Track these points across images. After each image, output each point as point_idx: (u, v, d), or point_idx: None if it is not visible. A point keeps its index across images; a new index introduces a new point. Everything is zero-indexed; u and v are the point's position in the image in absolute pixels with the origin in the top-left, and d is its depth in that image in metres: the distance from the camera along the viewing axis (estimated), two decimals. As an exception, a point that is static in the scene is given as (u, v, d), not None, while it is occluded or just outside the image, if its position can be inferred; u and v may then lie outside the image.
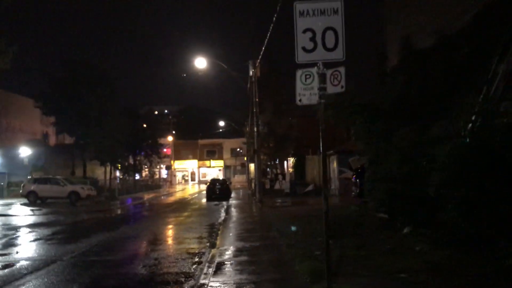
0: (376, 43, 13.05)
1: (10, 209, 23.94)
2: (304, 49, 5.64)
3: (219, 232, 12.72)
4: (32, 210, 22.93)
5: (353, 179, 19.93)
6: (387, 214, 11.41)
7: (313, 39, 5.60)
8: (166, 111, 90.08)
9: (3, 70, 14.42)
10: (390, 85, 12.83)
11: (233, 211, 19.61)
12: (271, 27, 18.34)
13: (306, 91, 5.81)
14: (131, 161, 48.39)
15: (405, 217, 9.79)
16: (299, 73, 5.82)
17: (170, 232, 14.46)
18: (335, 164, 26.88)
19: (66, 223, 17.17)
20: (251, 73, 24.95)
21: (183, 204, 27.74)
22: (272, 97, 30.84)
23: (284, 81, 31.42)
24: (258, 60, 23.76)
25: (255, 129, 24.72)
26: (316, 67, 5.67)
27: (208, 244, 10.78)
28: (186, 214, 20.22)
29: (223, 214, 18.75)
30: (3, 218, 19.51)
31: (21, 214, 21.41)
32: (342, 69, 5.67)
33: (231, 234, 11.98)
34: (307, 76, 5.79)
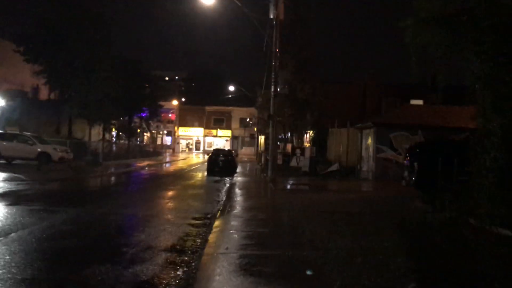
0: None
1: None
2: None
3: (209, 237, 7.38)
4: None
5: (405, 162, 14.28)
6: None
7: None
8: (176, 77, 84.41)
9: None
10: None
11: (237, 194, 14.17)
12: None
13: None
14: (126, 123, 42.99)
15: None
16: None
17: (130, 227, 9.10)
18: (370, 140, 21.21)
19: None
20: (272, 15, 19.13)
21: (176, 177, 22.45)
22: (296, 53, 24.92)
23: (310, 34, 25.56)
24: (283, -3, 17.92)
25: (272, 88, 18.96)
26: None
27: (181, 272, 5.42)
28: (172, 193, 14.92)
29: (223, 197, 13.43)
30: None
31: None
32: None
33: (227, 248, 6.51)
34: None
